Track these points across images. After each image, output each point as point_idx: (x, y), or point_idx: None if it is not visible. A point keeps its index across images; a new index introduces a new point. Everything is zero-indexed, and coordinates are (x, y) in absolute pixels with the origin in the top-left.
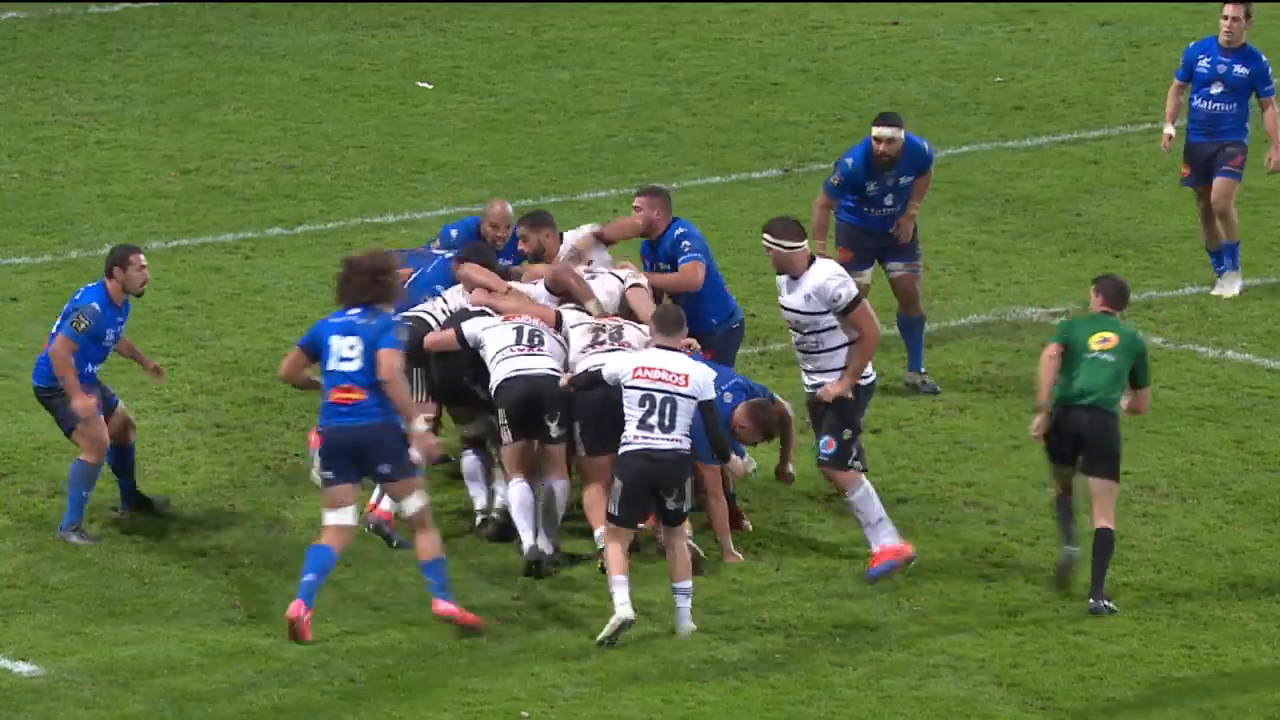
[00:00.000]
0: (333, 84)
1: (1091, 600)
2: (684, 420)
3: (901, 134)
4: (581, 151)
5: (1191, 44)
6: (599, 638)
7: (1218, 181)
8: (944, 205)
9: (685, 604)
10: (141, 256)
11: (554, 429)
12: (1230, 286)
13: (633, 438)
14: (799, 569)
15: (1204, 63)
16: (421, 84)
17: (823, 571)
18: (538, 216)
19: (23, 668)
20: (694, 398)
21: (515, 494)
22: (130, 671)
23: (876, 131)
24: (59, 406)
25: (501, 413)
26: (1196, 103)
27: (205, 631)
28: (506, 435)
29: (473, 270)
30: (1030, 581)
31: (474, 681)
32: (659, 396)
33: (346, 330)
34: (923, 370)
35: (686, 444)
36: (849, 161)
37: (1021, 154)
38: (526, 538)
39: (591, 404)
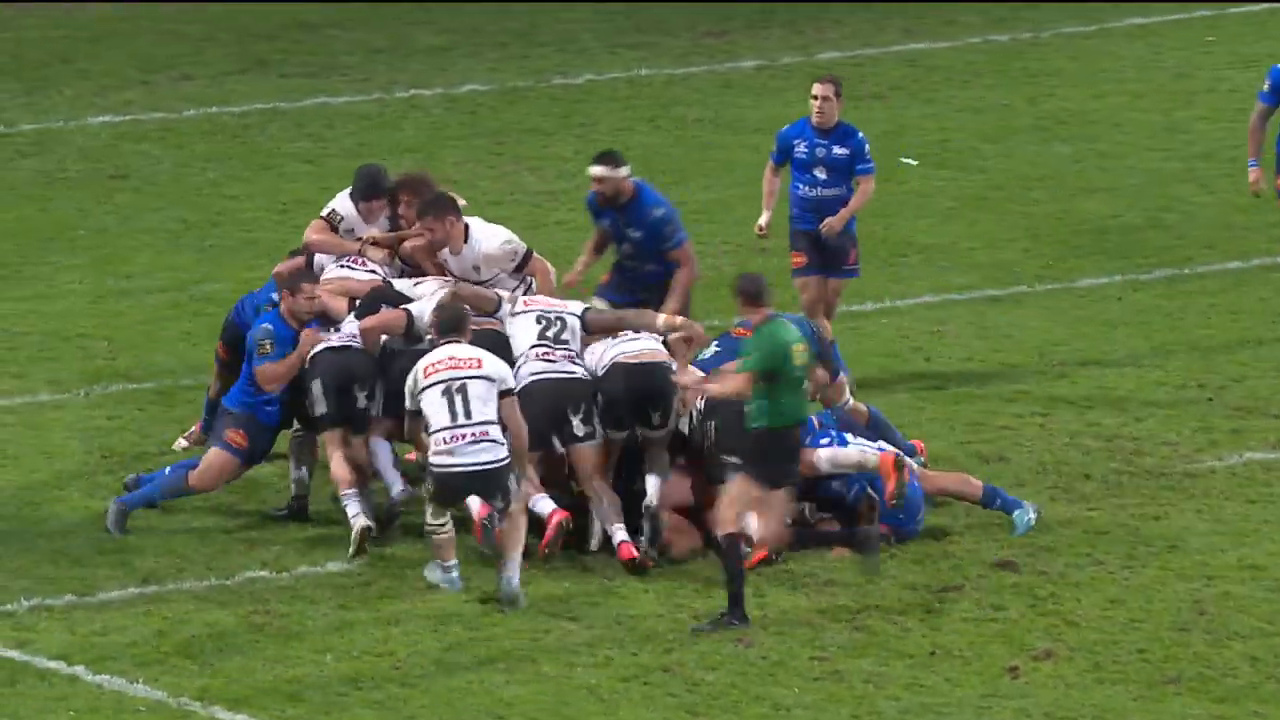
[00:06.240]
0: None
1: None
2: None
3: (620, 172)
4: (1083, 233)
5: (785, 127)
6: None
7: (834, 282)
8: None
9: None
10: (317, 288)
11: (579, 427)
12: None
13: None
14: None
15: (801, 147)
16: (906, 160)
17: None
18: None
19: None
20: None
21: (379, 451)
22: None
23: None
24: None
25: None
26: (802, 190)
27: None
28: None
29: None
30: None
31: None
32: None
33: None
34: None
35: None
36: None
37: None
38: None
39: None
